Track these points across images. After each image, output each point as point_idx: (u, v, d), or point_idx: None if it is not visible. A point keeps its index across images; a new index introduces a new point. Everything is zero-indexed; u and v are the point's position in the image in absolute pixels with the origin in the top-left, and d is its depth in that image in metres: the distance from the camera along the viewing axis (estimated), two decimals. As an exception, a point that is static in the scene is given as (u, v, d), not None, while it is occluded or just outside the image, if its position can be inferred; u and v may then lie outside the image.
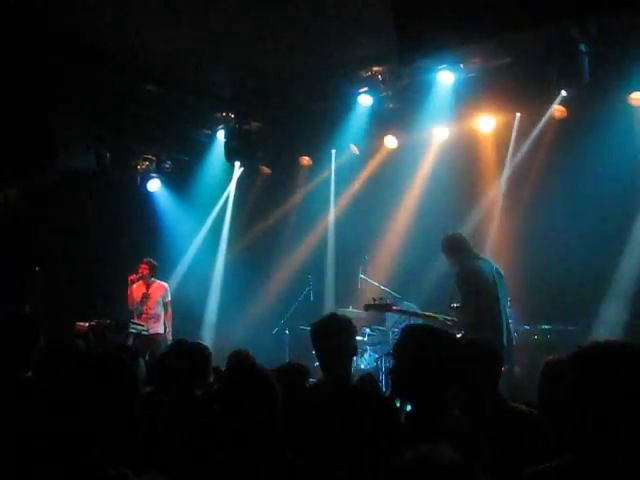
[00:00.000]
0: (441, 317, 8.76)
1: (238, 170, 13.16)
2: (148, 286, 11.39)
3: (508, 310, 8.57)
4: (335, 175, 12.60)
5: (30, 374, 4.99)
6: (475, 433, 3.56)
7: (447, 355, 3.73)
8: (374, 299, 9.60)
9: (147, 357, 10.02)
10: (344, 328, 4.41)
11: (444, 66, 9.52)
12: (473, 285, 8.33)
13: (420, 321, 9.86)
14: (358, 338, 9.17)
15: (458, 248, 8.60)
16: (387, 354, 7.92)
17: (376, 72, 10.14)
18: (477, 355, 4.29)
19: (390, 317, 10.79)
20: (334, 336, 4.33)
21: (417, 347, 3.76)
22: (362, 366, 10.26)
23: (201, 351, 5.41)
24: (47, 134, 9.99)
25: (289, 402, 3.17)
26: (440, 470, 2.05)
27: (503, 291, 8.50)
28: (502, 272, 8.61)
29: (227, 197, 13.51)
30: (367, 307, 9.59)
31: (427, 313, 9.08)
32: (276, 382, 3.09)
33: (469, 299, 8.29)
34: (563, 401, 5.04)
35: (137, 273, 11.27)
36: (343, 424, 3.90)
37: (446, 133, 10.89)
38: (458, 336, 8.25)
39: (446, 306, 8.84)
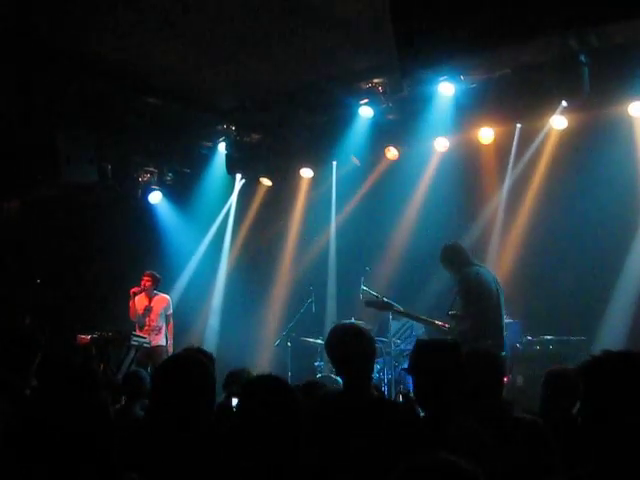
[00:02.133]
0: (439, 324, 8.78)
1: (239, 182, 13.16)
2: (150, 299, 11.39)
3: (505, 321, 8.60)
4: (336, 187, 12.60)
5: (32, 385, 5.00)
6: (483, 440, 3.58)
7: (456, 365, 3.80)
8: (377, 297, 9.60)
9: (149, 369, 10.03)
10: (361, 336, 4.37)
11: (444, 77, 9.52)
12: (475, 294, 8.32)
13: (418, 326, 9.97)
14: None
15: (458, 258, 8.60)
16: (403, 369, 7.96)
17: (376, 84, 10.16)
18: (480, 365, 4.29)
19: (393, 326, 10.79)
20: (351, 344, 4.30)
21: (438, 362, 3.90)
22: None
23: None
24: (49, 147, 10.03)
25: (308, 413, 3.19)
26: (463, 475, 2.04)
27: (502, 302, 8.52)
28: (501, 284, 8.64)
29: (228, 209, 13.51)
30: (367, 304, 9.60)
31: (425, 317, 9.10)
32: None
33: (470, 308, 8.28)
34: (567, 410, 5.10)
35: (139, 286, 11.27)
36: (363, 434, 3.89)
37: (447, 144, 10.88)
38: None
39: (445, 314, 8.86)
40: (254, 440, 3.02)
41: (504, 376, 4.47)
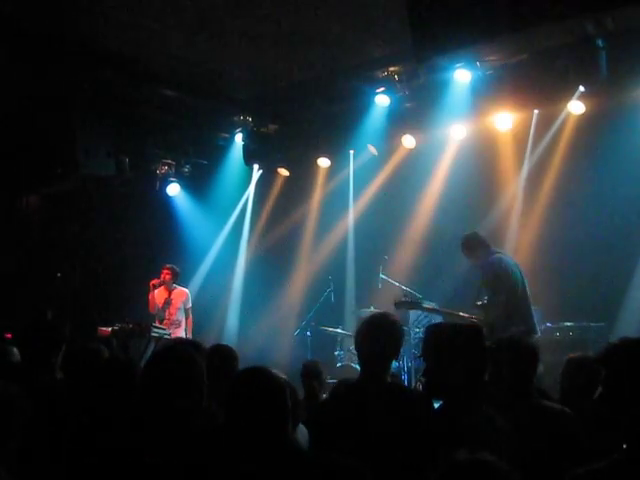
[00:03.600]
0: (468, 317, 8.75)
1: (257, 173, 13.18)
2: (170, 292, 11.41)
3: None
4: (353, 176, 12.59)
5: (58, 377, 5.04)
6: (505, 432, 3.55)
7: (472, 350, 3.75)
8: (405, 296, 9.61)
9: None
10: (383, 329, 4.37)
11: (460, 64, 9.48)
12: (502, 281, 8.31)
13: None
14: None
15: (479, 247, 8.60)
16: (418, 356, 7.91)
17: (392, 72, 10.13)
18: (518, 354, 4.28)
19: (412, 316, 10.80)
20: (372, 336, 4.29)
21: (441, 345, 3.80)
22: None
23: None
24: (68, 141, 10.07)
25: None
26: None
27: (527, 288, 8.52)
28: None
29: (246, 200, 13.55)
30: (397, 305, 9.58)
31: (455, 312, 9.07)
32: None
33: (498, 296, 8.27)
34: (587, 397, 5.09)
35: (159, 278, 11.31)
36: (381, 423, 3.89)
37: (464, 131, 10.84)
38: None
39: (468, 304, 8.85)
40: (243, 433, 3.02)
41: (537, 363, 4.42)
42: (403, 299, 9.57)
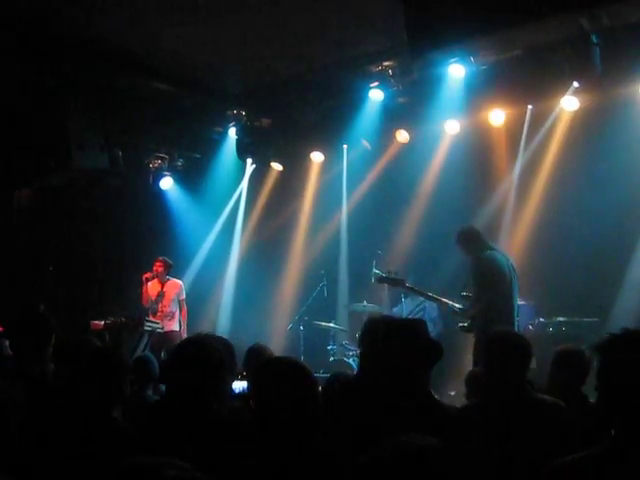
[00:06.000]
0: (450, 303, 8.83)
1: (250, 167, 13.16)
2: (163, 284, 11.43)
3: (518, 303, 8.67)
4: (347, 170, 12.60)
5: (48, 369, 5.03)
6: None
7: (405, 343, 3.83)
8: (389, 272, 9.61)
9: (162, 355, 10.08)
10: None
11: (455, 59, 9.47)
12: (488, 280, 8.37)
13: (431, 308, 10.02)
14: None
15: (473, 241, 8.64)
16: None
17: (386, 67, 10.12)
18: (509, 349, 4.29)
19: (405, 309, 10.83)
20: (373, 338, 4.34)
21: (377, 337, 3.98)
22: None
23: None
24: (60, 134, 10.04)
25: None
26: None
27: (516, 287, 8.55)
28: (515, 267, 8.67)
29: (239, 194, 13.54)
30: (379, 279, 9.62)
31: (436, 296, 9.14)
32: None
33: (482, 293, 8.34)
34: (576, 389, 5.14)
35: (152, 271, 11.31)
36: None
37: (458, 127, 10.84)
38: (463, 325, 8.50)
39: (457, 298, 8.89)
40: (270, 423, 3.03)
41: (529, 357, 4.45)
42: (385, 275, 9.59)
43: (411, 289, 9.59)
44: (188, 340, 4.12)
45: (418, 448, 1.99)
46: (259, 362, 3.56)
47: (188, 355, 3.60)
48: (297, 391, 3.04)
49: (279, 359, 3.29)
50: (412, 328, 4.06)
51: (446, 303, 8.94)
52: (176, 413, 3.48)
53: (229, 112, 11.91)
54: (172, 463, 2.13)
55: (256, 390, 3.18)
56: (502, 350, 4.28)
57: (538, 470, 2.78)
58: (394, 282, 9.57)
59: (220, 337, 3.99)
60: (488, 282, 8.36)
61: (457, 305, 8.76)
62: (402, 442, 2.04)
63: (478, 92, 9.85)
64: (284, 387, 3.04)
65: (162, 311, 11.28)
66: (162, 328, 10.95)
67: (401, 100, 10.75)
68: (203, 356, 3.51)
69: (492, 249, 8.65)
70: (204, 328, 11.52)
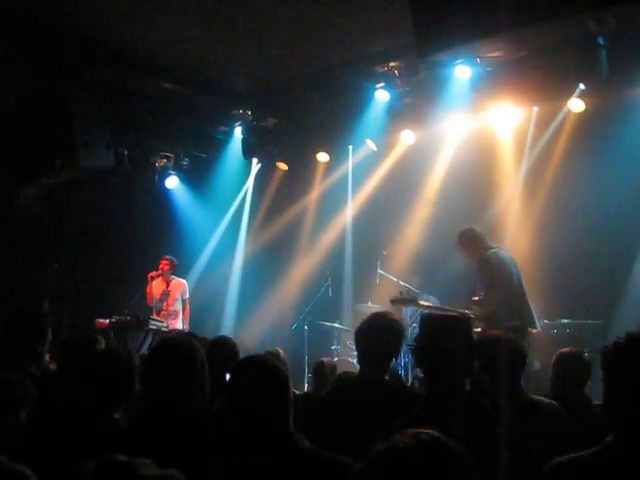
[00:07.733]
0: (467, 312, 8.79)
1: (255, 166, 13.19)
2: (168, 283, 11.45)
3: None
4: (352, 171, 12.60)
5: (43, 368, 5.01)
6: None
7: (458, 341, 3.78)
8: (401, 293, 9.60)
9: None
10: (383, 328, 4.40)
11: (461, 60, 9.47)
12: (498, 277, 8.35)
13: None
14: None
15: (475, 242, 8.63)
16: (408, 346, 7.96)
17: (392, 67, 10.12)
18: (501, 353, 4.31)
19: (408, 310, 10.81)
20: (372, 334, 4.35)
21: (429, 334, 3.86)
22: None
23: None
24: (66, 133, 10.05)
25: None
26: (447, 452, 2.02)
27: (523, 284, 8.55)
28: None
29: (245, 193, 13.56)
30: (393, 302, 9.59)
31: (450, 308, 9.08)
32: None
33: (494, 291, 8.31)
34: (577, 391, 5.14)
35: (157, 270, 11.33)
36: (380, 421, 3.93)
37: (463, 128, 10.85)
38: (478, 330, 8.40)
39: (464, 300, 8.86)
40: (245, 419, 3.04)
41: (524, 364, 4.45)
42: (399, 296, 9.57)
43: (424, 306, 9.56)
44: (160, 341, 4.17)
45: (436, 439, 1.97)
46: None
47: (160, 356, 3.62)
48: (268, 389, 3.05)
49: (250, 358, 3.28)
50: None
51: (463, 313, 8.85)
52: (153, 413, 3.50)
53: (235, 111, 11.92)
54: (146, 463, 2.14)
55: (230, 389, 3.18)
56: (494, 353, 4.29)
57: (535, 471, 2.79)
58: (407, 302, 9.55)
59: (195, 335, 4.03)
60: (497, 281, 8.33)
61: (469, 313, 8.69)
62: (419, 434, 2.02)
63: (484, 93, 9.85)
64: (255, 386, 3.05)
65: (166, 310, 11.30)
66: (166, 327, 10.96)
67: (407, 101, 10.75)
68: (175, 355, 3.54)
69: (494, 248, 8.64)
70: (208, 327, 11.59)
